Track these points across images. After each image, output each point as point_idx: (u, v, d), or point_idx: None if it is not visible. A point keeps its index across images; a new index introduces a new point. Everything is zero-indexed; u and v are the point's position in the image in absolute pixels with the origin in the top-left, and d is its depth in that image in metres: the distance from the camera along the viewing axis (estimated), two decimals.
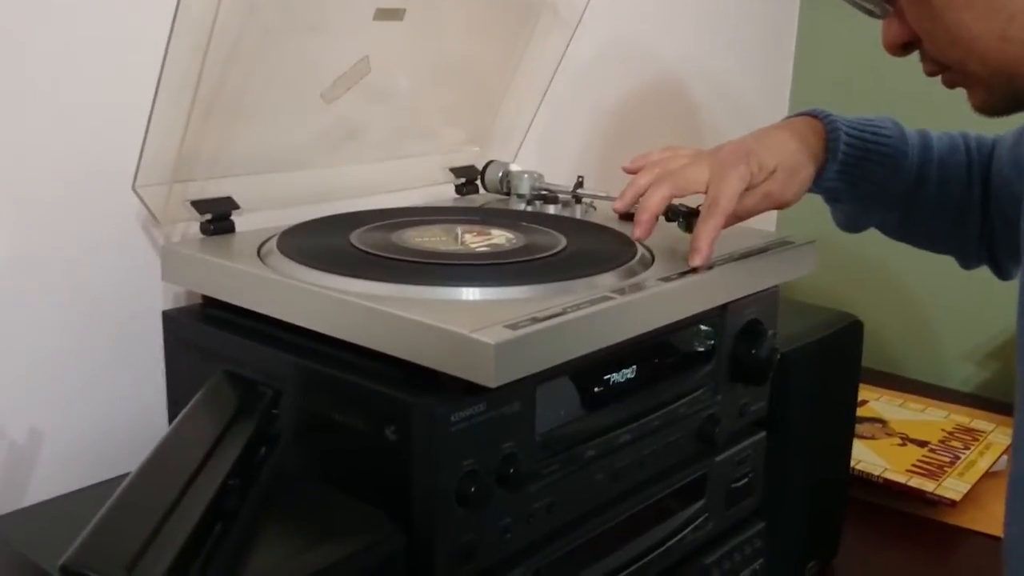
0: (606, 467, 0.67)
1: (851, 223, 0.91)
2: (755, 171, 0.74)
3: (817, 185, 0.82)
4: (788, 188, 0.77)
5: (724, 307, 0.74)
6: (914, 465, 1.10)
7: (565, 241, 0.74)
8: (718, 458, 0.78)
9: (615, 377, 0.67)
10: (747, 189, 0.73)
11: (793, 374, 0.83)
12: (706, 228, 0.70)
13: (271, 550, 0.52)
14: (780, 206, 0.78)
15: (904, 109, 0.92)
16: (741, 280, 0.73)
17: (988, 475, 1.10)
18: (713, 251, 0.70)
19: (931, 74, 0.69)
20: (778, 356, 0.78)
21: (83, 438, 0.75)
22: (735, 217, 0.74)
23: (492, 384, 0.54)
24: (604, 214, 0.88)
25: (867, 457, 1.11)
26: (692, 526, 0.76)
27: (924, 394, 1.33)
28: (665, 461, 0.73)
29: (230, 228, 0.75)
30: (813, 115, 0.83)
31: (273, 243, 0.71)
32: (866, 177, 0.83)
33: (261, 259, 0.69)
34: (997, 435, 1.20)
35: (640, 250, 0.73)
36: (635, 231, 0.71)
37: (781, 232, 0.81)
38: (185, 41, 0.65)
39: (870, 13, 0.69)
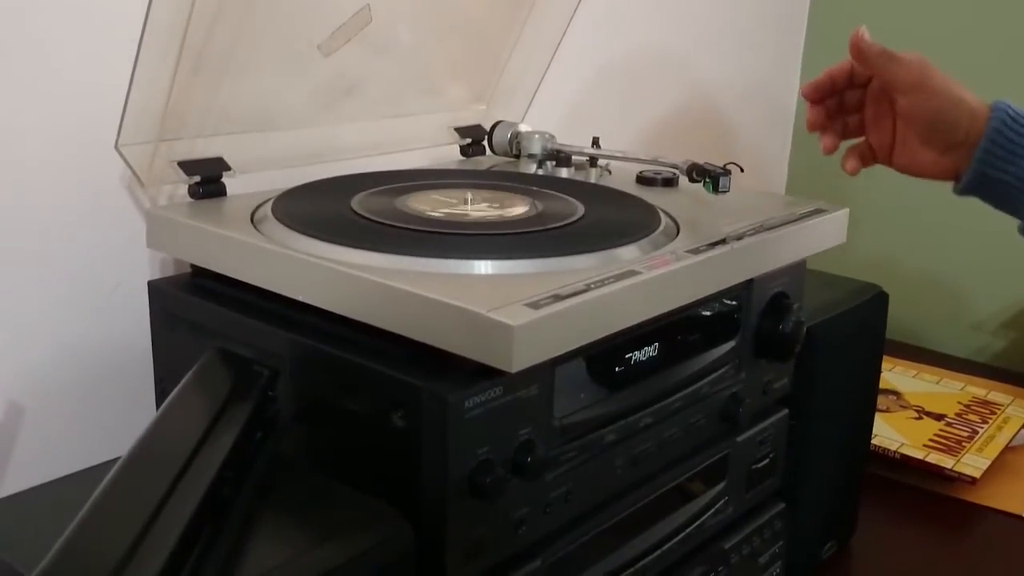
0: (626, 451, 0.63)
1: None
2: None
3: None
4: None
5: (750, 280, 0.69)
6: (931, 440, 1.07)
7: (583, 208, 0.69)
8: (740, 438, 0.74)
9: (637, 355, 0.63)
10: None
11: (817, 349, 0.78)
12: None
13: (270, 550, 0.47)
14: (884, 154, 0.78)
15: None
16: (773, 251, 0.69)
17: (1006, 450, 1.07)
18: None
19: None
20: (804, 331, 0.74)
21: (66, 416, 0.71)
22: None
23: (512, 369, 0.49)
24: (620, 178, 0.83)
25: (883, 431, 1.07)
26: (712, 510, 0.72)
27: (937, 363, 1.29)
28: (686, 443, 0.68)
29: (221, 191, 0.70)
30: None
31: (268, 208, 0.65)
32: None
33: (255, 226, 0.63)
34: (1015, 408, 1.16)
35: (664, 219, 0.68)
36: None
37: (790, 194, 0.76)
38: None
39: None
